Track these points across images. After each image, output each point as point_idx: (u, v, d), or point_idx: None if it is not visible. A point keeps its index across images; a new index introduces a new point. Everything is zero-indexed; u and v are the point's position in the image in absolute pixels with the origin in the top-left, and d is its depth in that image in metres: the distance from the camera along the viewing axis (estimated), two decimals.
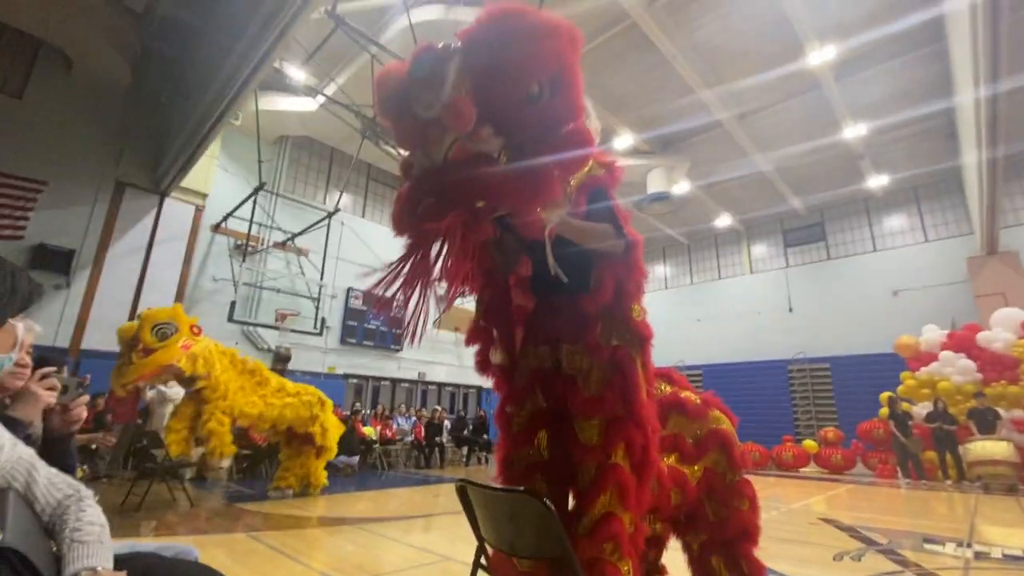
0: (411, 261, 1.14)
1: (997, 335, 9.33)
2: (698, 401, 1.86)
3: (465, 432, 11.62)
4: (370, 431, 9.92)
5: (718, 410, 1.88)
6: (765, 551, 3.73)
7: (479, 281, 1.48)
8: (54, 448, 1.27)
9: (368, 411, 11.27)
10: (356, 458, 8.95)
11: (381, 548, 3.92)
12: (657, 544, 1.74)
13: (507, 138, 1.10)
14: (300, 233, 11.13)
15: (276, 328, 10.68)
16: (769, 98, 10.80)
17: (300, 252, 11.63)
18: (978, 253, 12.26)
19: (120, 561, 0.95)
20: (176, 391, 6.99)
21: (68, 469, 1.25)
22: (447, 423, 11.59)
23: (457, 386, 14.51)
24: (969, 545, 4.04)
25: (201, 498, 6.01)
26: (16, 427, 1.11)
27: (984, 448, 7.98)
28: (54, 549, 0.91)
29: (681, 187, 13.14)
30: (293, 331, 10.69)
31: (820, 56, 9.24)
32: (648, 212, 14.70)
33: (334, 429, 6.52)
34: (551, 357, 1.47)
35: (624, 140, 12.02)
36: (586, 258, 1.41)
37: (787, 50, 9.31)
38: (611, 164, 1.55)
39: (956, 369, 9.44)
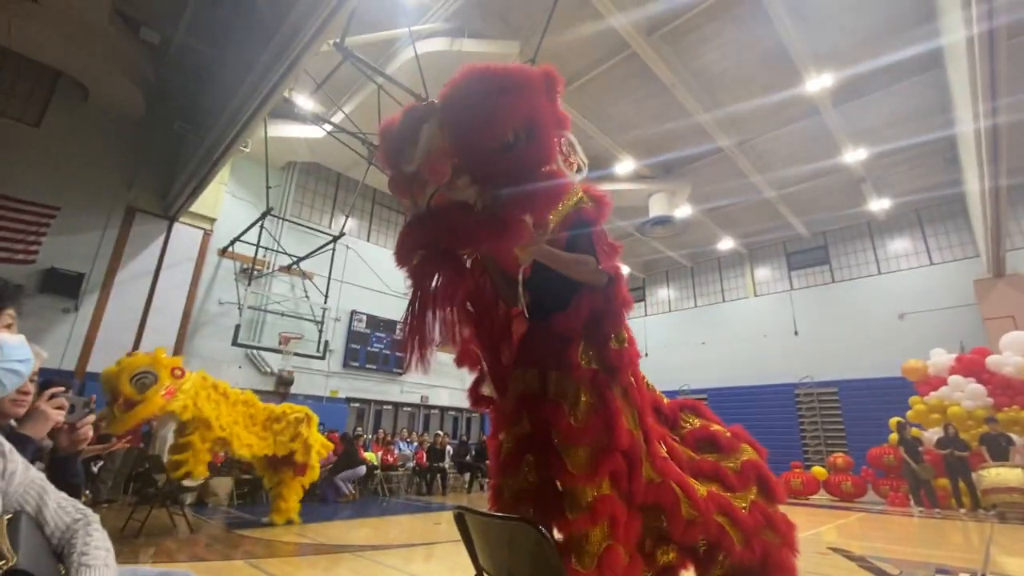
0: (415, 303, 1.30)
1: (1007, 359, 9.21)
2: (729, 434, 1.85)
3: (468, 458, 11.48)
4: (372, 456, 9.82)
5: (747, 443, 1.86)
6: None
7: (472, 311, 1.54)
8: (62, 466, 1.30)
9: (369, 436, 11.18)
10: (362, 469, 8.86)
11: None
12: (672, 572, 1.71)
13: (483, 185, 1.19)
14: (305, 257, 11.26)
15: (279, 351, 10.71)
16: (768, 124, 10.97)
17: (305, 276, 11.73)
18: (985, 276, 12.20)
19: None
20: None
21: (75, 487, 1.28)
22: (449, 448, 11.47)
23: (460, 410, 14.40)
24: (981, 574, 3.93)
25: (201, 524, 5.94)
26: (26, 444, 1.14)
27: (999, 475, 7.80)
28: (62, 572, 0.93)
29: (683, 211, 13.24)
30: (296, 354, 10.71)
31: (818, 83, 9.41)
32: (651, 236, 14.79)
33: (317, 446, 6.38)
34: (538, 382, 1.49)
35: (625, 165, 12.19)
36: (571, 287, 1.46)
37: (785, 77, 9.49)
38: (600, 198, 1.63)
39: (966, 394, 9.30)
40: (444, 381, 13.64)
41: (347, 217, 12.30)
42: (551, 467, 1.39)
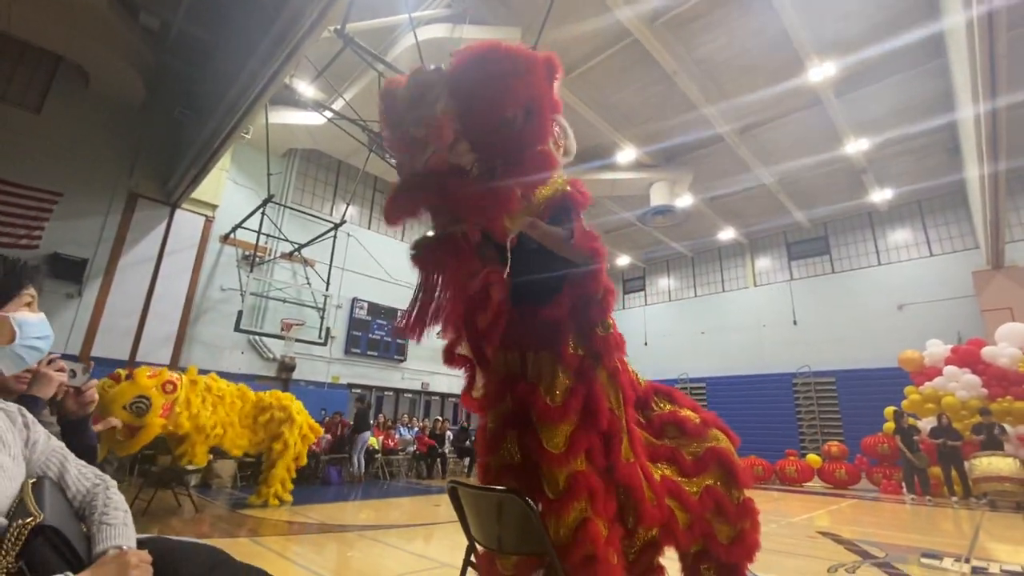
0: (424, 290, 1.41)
1: (1002, 350, 9.27)
2: (698, 420, 1.87)
3: (467, 443, 11.64)
4: (373, 441, 9.97)
5: (718, 429, 1.89)
6: (759, 562, 3.76)
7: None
8: (74, 430, 1.38)
9: (371, 421, 11.31)
10: (367, 435, 9.41)
11: (382, 555, 3.97)
12: (654, 547, 1.78)
13: (481, 154, 1.27)
14: (307, 244, 11.32)
15: (281, 338, 10.81)
16: (771, 113, 10.92)
17: (306, 263, 11.80)
18: (984, 267, 12.22)
19: (141, 544, 1.04)
20: None
21: (91, 450, 1.36)
22: (449, 434, 11.62)
23: (459, 396, 14.55)
24: (967, 560, 4.03)
25: (205, 504, 6.08)
26: (35, 404, 1.23)
27: (991, 464, 7.91)
28: (84, 530, 1.01)
29: (684, 200, 13.23)
30: (298, 341, 10.82)
31: (820, 72, 9.36)
32: (652, 225, 14.78)
33: (294, 450, 6.38)
34: (519, 364, 1.55)
35: (627, 154, 12.16)
36: (554, 275, 1.52)
37: (787, 66, 9.44)
38: (577, 183, 1.69)
39: (961, 384, 9.38)
40: (444, 368, 13.74)
41: (348, 204, 12.34)
42: (530, 446, 1.45)
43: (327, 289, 11.48)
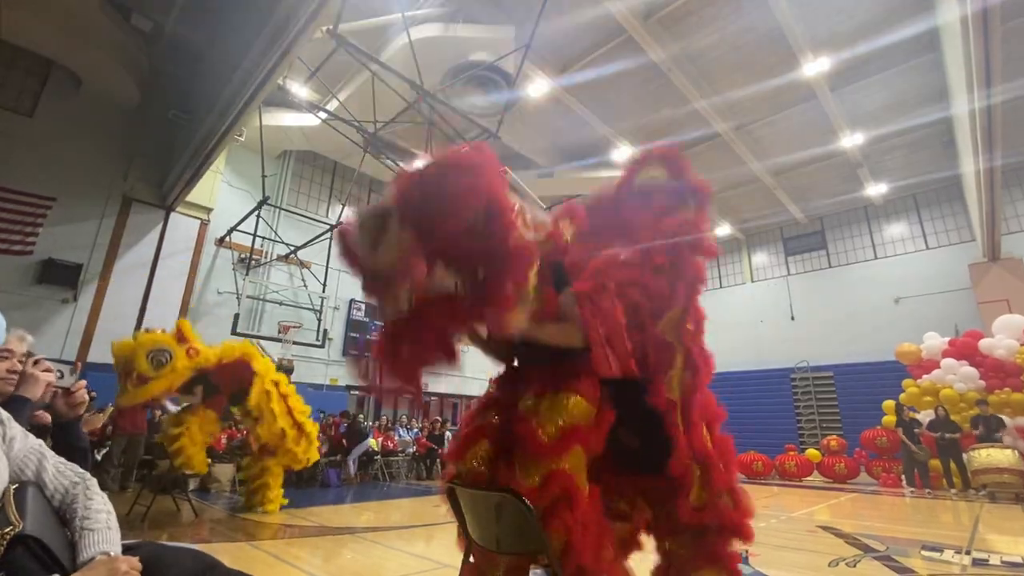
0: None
1: (999, 342, 9.30)
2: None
3: None
4: (372, 443, 9.95)
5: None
6: (760, 557, 3.76)
7: None
8: (64, 432, 1.37)
9: (370, 423, 11.30)
10: (368, 442, 9.38)
11: (382, 557, 3.96)
12: (625, 518, 1.78)
13: (458, 268, 1.24)
14: (303, 246, 11.27)
15: (279, 340, 10.77)
16: (765, 108, 10.92)
17: (303, 265, 11.76)
18: (980, 260, 12.25)
19: (129, 548, 1.02)
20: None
21: (82, 451, 1.34)
22: (448, 435, 11.60)
23: (460, 397, 14.52)
24: (968, 552, 4.04)
25: (204, 509, 6.05)
26: (23, 405, 1.22)
27: (989, 456, 7.92)
28: (69, 536, 0.99)
29: None
30: (296, 343, 10.78)
31: (815, 67, 9.37)
32: None
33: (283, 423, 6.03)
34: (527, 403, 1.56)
35: (623, 152, 12.15)
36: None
37: (782, 61, 9.44)
38: (556, 236, 1.69)
39: (959, 376, 9.40)
40: (445, 369, 13.71)
41: (344, 206, 12.29)
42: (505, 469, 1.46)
43: (324, 291, 11.45)
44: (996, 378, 9.08)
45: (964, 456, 8.26)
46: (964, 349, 9.69)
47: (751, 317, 16.23)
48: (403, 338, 1.28)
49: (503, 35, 8.72)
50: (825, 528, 5.12)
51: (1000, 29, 6.73)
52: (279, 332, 10.89)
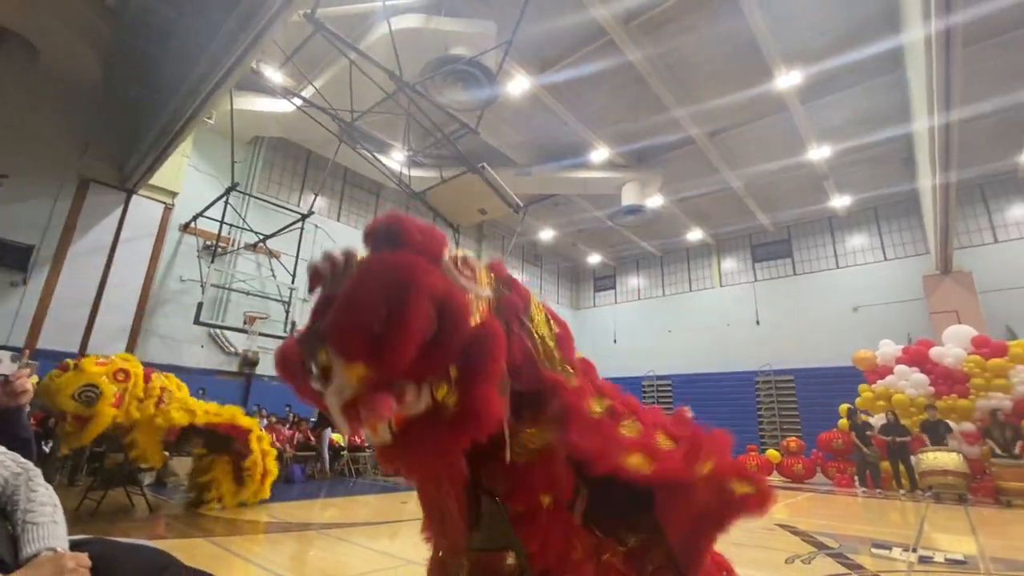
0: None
1: (949, 351, 9.78)
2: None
3: None
4: (338, 437, 9.78)
5: None
6: (722, 553, 3.83)
7: None
8: (5, 422, 1.28)
9: None
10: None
11: (346, 553, 3.89)
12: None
13: (432, 381, 1.07)
14: (273, 235, 10.98)
15: (244, 331, 10.47)
16: (739, 118, 11.20)
17: (272, 254, 11.44)
18: (933, 272, 12.87)
19: (77, 545, 0.97)
20: None
21: (24, 442, 1.26)
22: None
23: None
24: (915, 550, 4.23)
25: (160, 504, 5.83)
26: None
27: (936, 459, 8.33)
28: (10, 530, 0.92)
29: (654, 201, 13.45)
30: (262, 335, 10.49)
31: (787, 80, 9.65)
32: (622, 224, 14.98)
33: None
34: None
35: (600, 153, 12.27)
36: None
37: (756, 73, 9.69)
38: (511, 280, 1.39)
39: (910, 382, 9.86)
40: None
41: (316, 195, 12.01)
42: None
43: (293, 282, 11.17)
44: (944, 385, 9.55)
45: (912, 458, 8.67)
46: (916, 356, 10.16)
47: (719, 320, 16.65)
48: (400, 465, 1.15)
49: (485, 30, 8.66)
50: (783, 526, 5.29)
51: (961, 52, 7.10)
52: (244, 323, 10.58)
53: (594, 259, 19.75)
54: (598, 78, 10.10)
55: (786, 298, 15.67)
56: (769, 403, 14.79)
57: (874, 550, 4.17)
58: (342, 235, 13.09)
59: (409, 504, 6.50)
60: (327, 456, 9.23)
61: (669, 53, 9.47)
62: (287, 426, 9.47)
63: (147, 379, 5.15)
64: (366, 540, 4.37)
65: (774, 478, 10.79)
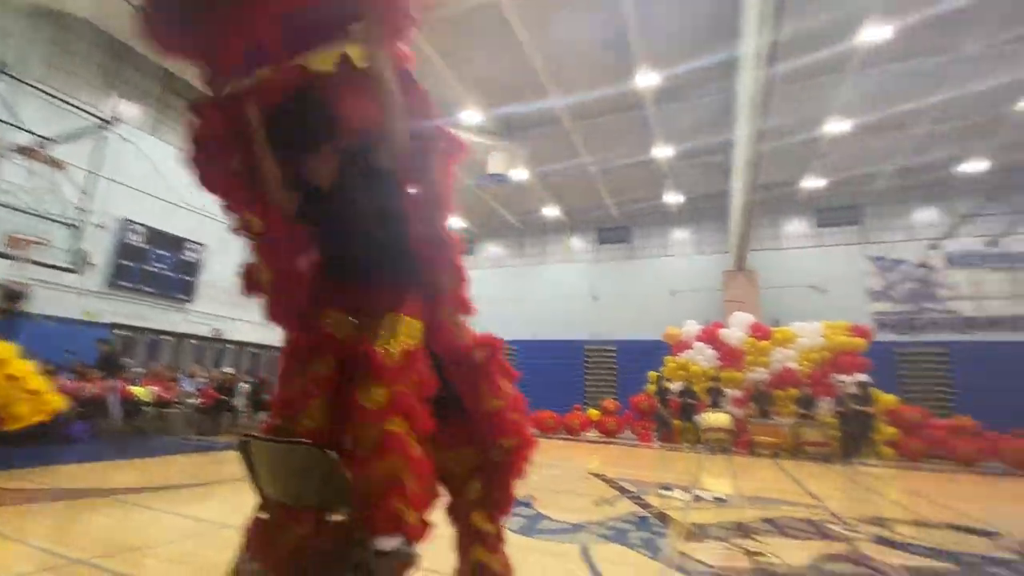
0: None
1: (734, 333, 12.02)
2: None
3: (265, 396, 10.63)
4: (141, 391, 8.42)
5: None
6: (541, 501, 4.22)
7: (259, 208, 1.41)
8: None
9: (141, 369, 9.55)
10: None
11: (144, 521, 3.38)
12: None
13: None
14: (58, 140, 8.69)
15: (9, 257, 8.26)
16: (603, 106, 11.91)
17: (55, 164, 9.08)
18: (731, 268, 15.55)
19: None
20: None
21: None
22: (244, 386, 10.46)
23: (261, 347, 13.14)
24: (690, 490, 5.18)
25: None
26: None
27: (713, 419, 10.28)
28: None
29: (519, 173, 13.80)
30: (35, 263, 8.40)
31: (646, 79, 10.49)
32: (486, 192, 15.15)
33: None
34: (352, 327, 1.45)
35: (471, 115, 12.10)
36: (404, 244, 1.48)
37: (623, 66, 10.33)
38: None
39: (704, 357, 11.92)
40: (243, 313, 12.15)
41: (124, 100, 9.79)
42: (346, 405, 1.33)
43: (86, 202, 9.07)
44: (728, 360, 11.74)
45: (696, 418, 10.57)
46: (709, 336, 12.28)
47: (563, 293, 18.13)
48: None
49: None
50: (595, 475, 6.05)
51: (780, 83, 8.47)
52: (8, 245, 8.32)
53: (456, 223, 19.74)
54: (478, 40, 9.85)
55: (620, 278, 17.63)
56: (595, 369, 16.68)
57: (661, 492, 5.00)
58: (160, 154, 10.80)
59: (226, 465, 5.91)
60: (118, 408, 7.86)
61: (550, 28, 9.59)
62: (75, 376, 7.80)
63: None
64: (170, 505, 3.86)
65: (593, 434, 12.25)
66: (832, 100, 10.98)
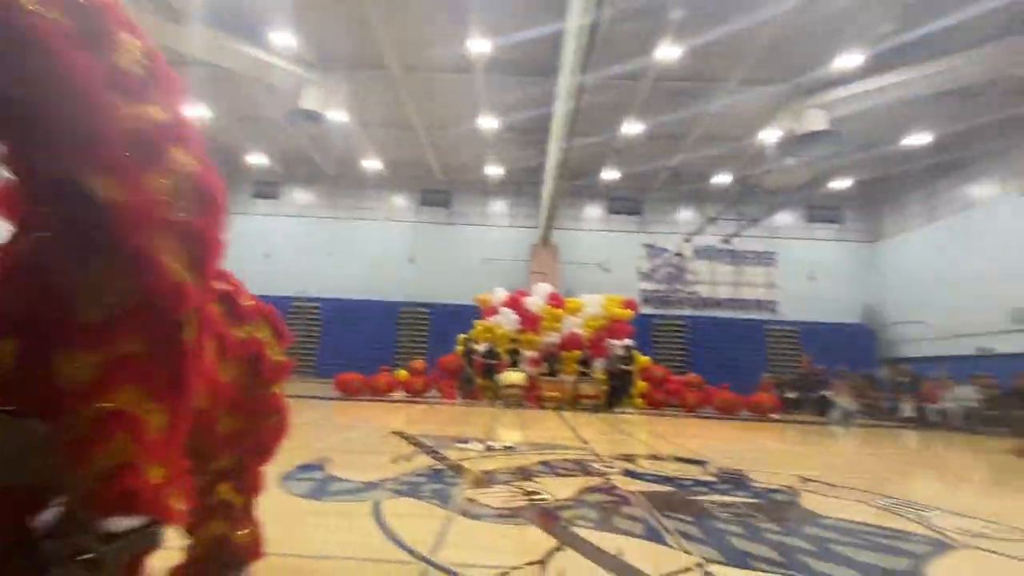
0: None
1: (535, 301, 13.22)
2: (252, 303, 1.52)
3: None
4: None
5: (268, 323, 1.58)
6: (341, 461, 4.10)
7: None
8: None
9: None
10: None
11: None
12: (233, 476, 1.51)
13: None
14: None
15: None
16: (436, 64, 11.58)
17: None
18: (537, 243, 16.99)
19: None
20: None
21: None
22: None
23: None
24: (484, 442, 5.61)
25: None
26: None
27: (510, 377, 11.26)
28: None
29: (337, 115, 12.65)
30: None
31: (478, 46, 10.50)
32: (298, 130, 13.56)
33: None
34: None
35: (284, 38, 10.57)
36: None
37: (460, 28, 10.14)
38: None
39: (508, 321, 12.88)
40: None
41: None
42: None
43: None
44: (528, 324, 12.89)
45: (497, 376, 11.44)
46: (514, 302, 13.30)
47: (379, 252, 17.53)
48: None
49: None
50: (396, 434, 6.10)
51: (596, 79, 9.31)
52: None
53: (258, 159, 17.22)
54: None
55: (439, 242, 17.77)
56: (407, 331, 16.68)
57: (458, 445, 5.31)
58: None
59: None
60: None
61: None
62: None
63: None
64: None
65: (399, 394, 12.33)
66: (629, 103, 12.58)
